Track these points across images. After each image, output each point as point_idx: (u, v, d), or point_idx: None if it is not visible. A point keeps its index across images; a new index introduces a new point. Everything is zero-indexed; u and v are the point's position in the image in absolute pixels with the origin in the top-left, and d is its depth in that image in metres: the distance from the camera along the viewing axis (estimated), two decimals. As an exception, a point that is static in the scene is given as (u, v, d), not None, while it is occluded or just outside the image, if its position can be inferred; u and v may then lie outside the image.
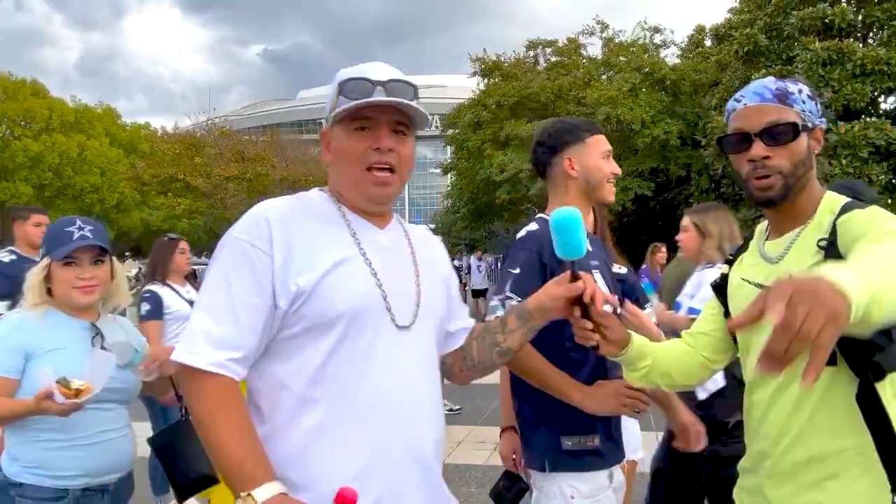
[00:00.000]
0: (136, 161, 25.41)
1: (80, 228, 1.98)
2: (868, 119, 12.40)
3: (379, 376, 1.32)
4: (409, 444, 1.33)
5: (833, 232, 1.34)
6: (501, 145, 17.53)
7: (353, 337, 1.30)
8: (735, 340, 1.62)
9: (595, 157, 2.00)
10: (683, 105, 16.77)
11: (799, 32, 13.28)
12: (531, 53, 20.28)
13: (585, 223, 2.02)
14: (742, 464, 1.57)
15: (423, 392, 1.38)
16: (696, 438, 2.15)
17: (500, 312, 1.83)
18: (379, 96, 1.30)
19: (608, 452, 1.85)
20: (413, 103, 1.32)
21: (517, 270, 1.89)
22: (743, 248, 1.62)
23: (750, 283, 1.47)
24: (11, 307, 4.12)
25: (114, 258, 2.11)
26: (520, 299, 1.83)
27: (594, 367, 1.89)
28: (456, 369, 1.57)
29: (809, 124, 1.41)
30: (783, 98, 1.40)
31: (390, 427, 1.32)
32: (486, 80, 20.13)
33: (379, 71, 1.34)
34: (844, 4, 13.49)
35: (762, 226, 1.58)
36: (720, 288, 1.63)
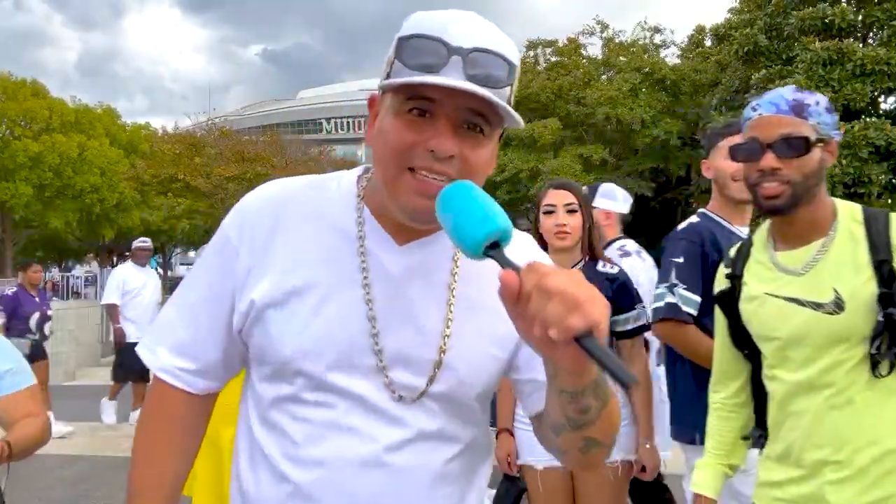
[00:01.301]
0: (136, 161, 25.37)
1: None
2: (868, 119, 12.39)
3: (346, 470, 0.93)
4: None
5: (887, 249, 1.37)
6: (501, 146, 17.51)
7: (316, 396, 0.94)
8: (748, 356, 1.60)
9: (720, 158, 2.19)
10: (683, 105, 16.75)
11: (799, 32, 13.27)
12: (531, 53, 20.26)
13: (741, 221, 2.22)
14: (783, 476, 1.49)
15: (412, 499, 0.95)
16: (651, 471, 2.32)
17: (670, 298, 2.07)
18: (452, 72, 0.84)
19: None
20: (497, 96, 0.85)
21: (680, 259, 2.10)
22: (741, 257, 1.58)
23: (776, 296, 1.46)
24: None
25: None
26: (685, 286, 2.07)
27: None
28: (542, 438, 1.04)
29: (825, 137, 1.41)
30: (799, 110, 1.41)
31: None
32: (486, 80, 20.06)
33: (464, 29, 0.86)
34: (844, 4, 13.48)
35: (762, 235, 1.56)
36: (725, 301, 1.59)
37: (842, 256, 1.40)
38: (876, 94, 12.84)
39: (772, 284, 1.48)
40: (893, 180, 12.95)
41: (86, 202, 27.75)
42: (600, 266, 2.31)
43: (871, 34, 13.94)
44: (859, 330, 1.36)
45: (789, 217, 1.44)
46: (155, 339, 1.06)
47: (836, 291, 1.38)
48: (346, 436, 0.93)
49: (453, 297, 0.98)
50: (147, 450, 1.05)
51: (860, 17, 13.51)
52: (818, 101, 1.43)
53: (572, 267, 2.43)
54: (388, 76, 0.91)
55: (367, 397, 0.94)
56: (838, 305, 1.37)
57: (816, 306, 1.39)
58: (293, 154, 24.26)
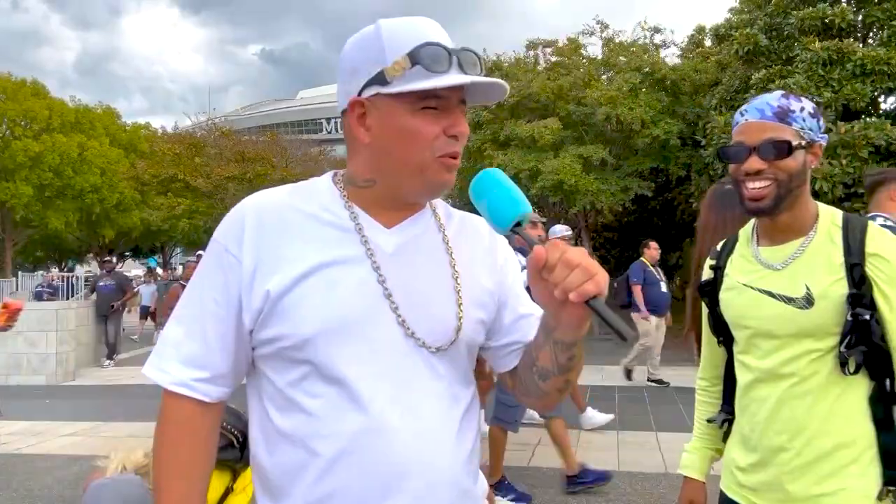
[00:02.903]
0: (136, 161, 25.41)
1: None
2: (868, 119, 12.37)
3: (372, 436, 1.02)
4: None
5: (860, 254, 1.44)
6: (501, 146, 17.51)
7: (339, 371, 1.02)
8: (723, 342, 1.71)
9: None
10: (683, 105, 16.74)
11: (799, 32, 13.26)
12: (531, 53, 20.26)
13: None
14: (742, 463, 1.61)
15: (446, 447, 1.07)
16: None
17: None
18: (455, 72, 1.01)
19: None
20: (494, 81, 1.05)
21: None
22: (726, 250, 1.69)
23: (752, 288, 1.56)
24: None
25: None
26: None
27: None
28: (524, 384, 1.16)
29: (807, 141, 1.49)
30: (782, 116, 1.50)
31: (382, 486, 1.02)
32: (486, 80, 20.03)
33: (439, 32, 1.05)
34: (844, 4, 13.48)
35: (747, 231, 1.66)
36: (708, 290, 1.71)
37: (817, 256, 1.49)
38: (876, 94, 12.82)
39: (750, 276, 1.58)
40: (893, 180, 12.93)
41: (86, 202, 27.77)
42: None
43: (871, 34, 13.94)
44: (826, 326, 1.45)
45: (773, 218, 1.53)
46: (162, 357, 1.10)
47: (807, 288, 1.47)
48: (371, 405, 1.02)
49: (454, 258, 1.13)
50: (172, 465, 1.08)
51: (860, 17, 13.51)
52: (803, 107, 1.51)
53: None
54: (382, 82, 1.02)
55: (393, 353, 1.04)
56: (808, 301, 1.46)
57: (788, 300, 1.49)
58: (293, 154, 24.26)
